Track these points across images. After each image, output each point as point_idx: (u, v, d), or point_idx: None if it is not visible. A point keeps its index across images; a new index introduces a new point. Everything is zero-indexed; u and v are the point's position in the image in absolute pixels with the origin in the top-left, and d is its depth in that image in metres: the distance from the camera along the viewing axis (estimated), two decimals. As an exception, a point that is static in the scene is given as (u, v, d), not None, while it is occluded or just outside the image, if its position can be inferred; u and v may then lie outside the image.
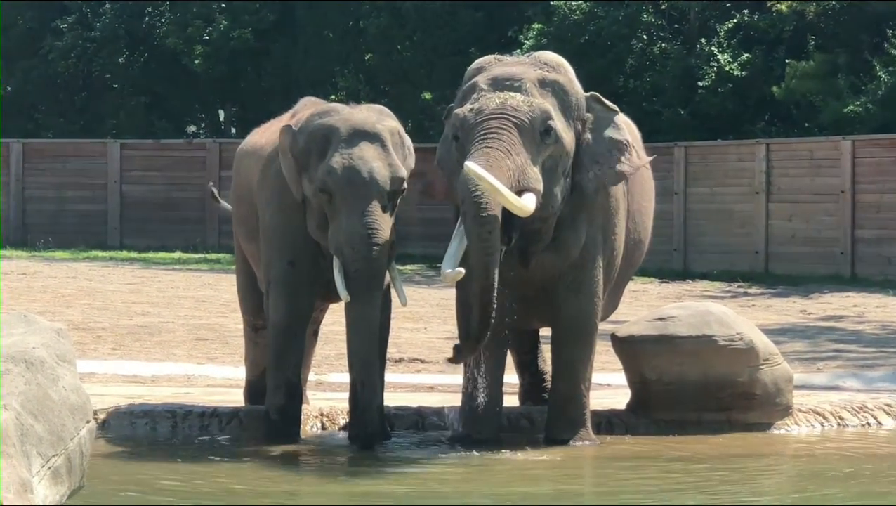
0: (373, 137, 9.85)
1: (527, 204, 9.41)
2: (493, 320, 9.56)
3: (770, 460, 10.19)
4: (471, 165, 9.24)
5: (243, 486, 8.88)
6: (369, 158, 9.74)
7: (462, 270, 9.43)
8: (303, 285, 10.15)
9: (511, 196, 9.31)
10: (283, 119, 10.53)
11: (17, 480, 5.86)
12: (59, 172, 33.67)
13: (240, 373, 12.55)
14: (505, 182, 9.30)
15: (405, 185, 9.93)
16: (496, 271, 9.48)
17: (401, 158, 9.98)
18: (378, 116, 10.09)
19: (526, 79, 9.94)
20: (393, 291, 10.18)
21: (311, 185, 9.89)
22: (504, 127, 9.60)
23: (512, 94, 9.80)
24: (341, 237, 9.71)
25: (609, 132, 10.23)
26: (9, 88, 37.05)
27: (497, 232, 9.41)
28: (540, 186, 9.63)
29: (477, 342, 9.57)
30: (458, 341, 9.87)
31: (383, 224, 9.70)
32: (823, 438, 10.90)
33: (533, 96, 9.83)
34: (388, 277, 10.01)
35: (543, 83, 9.99)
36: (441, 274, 9.68)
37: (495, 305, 9.54)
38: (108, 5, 37.41)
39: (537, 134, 9.72)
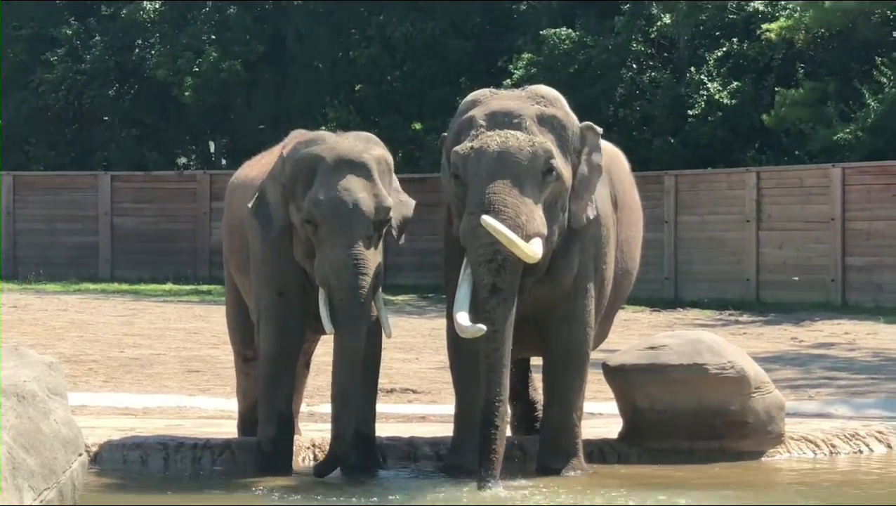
0: (359, 167, 9.85)
1: (536, 251, 9.53)
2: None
3: (766, 487, 10.23)
4: (487, 220, 9.38)
5: (228, 499, 8.92)
6: (354, 189, 9.75)
7: (483, 326, 9.47)
8: (293, 317, 10.16)
9: (523, 245, 9.45)
10: (275, 151, 10.55)
11: (9, 513, 5.86)
12: (49, 204, 33.64)
13: (232, 404, 12.55)
14: (516, 231, 9.45)
15: (391, 214, 9.97)
16: (511, 321, 9.70)
17: (388, 187, 10.00)
18: (365, 145, 10.08)
19: (525, 115, 9.95)
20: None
21: (298, 214, 9.93)
22: (508, 173, 9.67)
23: (512, 132, 9.82)
24: (326, 268, 9.73)
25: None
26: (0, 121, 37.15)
27: (513, 279, 9.62)
28: (545, 230, 9.72)
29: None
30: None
31: (369, 255, 9.73)
32: (817, 465, 10.94)
33: (533, 134, 9.85)
34: (374, 308, 10.05)
35: (542, 119, 10.01)
36: (457, 325, 9.62)
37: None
38: (97, 38, 37.41)
39: (539, 174, 9.77)
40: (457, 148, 9.91)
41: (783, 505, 9.21)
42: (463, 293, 9.69)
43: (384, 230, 9.99)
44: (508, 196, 9.61)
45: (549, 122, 10.04)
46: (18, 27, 37.12)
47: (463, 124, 10.09)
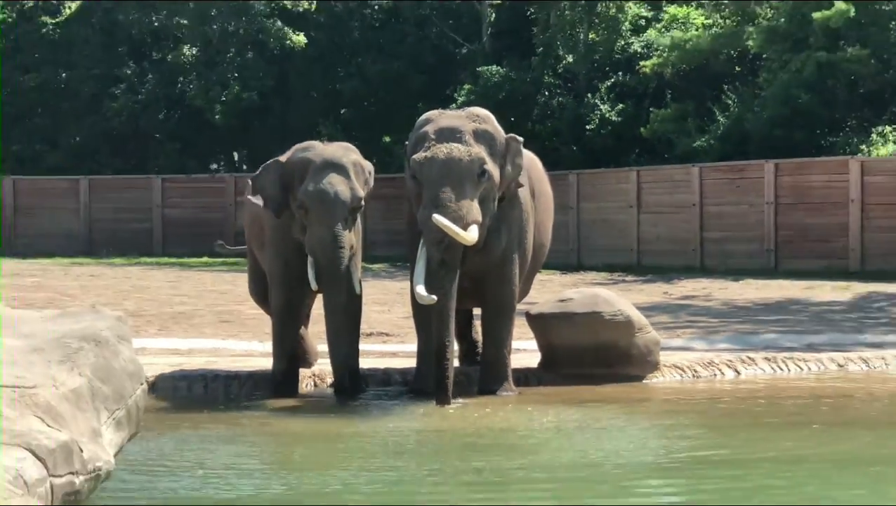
0: (339, 168, 9.89)
1: (472, 236, 9.61)
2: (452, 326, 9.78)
3: (647, 401, 10.29)
4: (438, 218, 9.45)
5: (251, 420, 8.93)
6: (335, 183, 9.80)
7: (434, 296, 9.55)
8: (295, 279, 10.14)
9: (462, 234, 9.53)
10: (283, 158, 10.54)
11: (90, 428, 5.86)
12: (116, 200, 33.59)
13: (253, 346, 12.56)
14: (457, 224, 9.52)
15: (363, 202, 10.00)
16: (454, 285, 9.76)
17: (361, 183, 10.01)
18: (344, 152, 10.13)
19: (464, 131, 9.96)
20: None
21: (294, 201, 9.95)
22: (452, 176, 9.70)
23: (455, 144, 9.84)
24: (313, 242, 9.80)
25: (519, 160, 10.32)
26: (77, 139, 36.90)
27: (456, 256, 9.69)
28: (480, 218, 9.76)
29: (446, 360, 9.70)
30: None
31: (345, 233, 9.78)
32: (683, 385, 11.01)
33: (470, 145, 9.88)
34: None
35: (477, 134, 10.02)
36: (415, 293, 9.74)
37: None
38: (150, 76, 37.25)
39: (475, 176, 9.80)
40: (414, 156, 9.91)
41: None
42: (419, 268, 9.76)
43: (357, 215, 10.03)
44: (452, 195, 9.67)
45: (482, 136, 10.04)
46: (90, 68, 36.88)
47: (419, 137, 10.09)
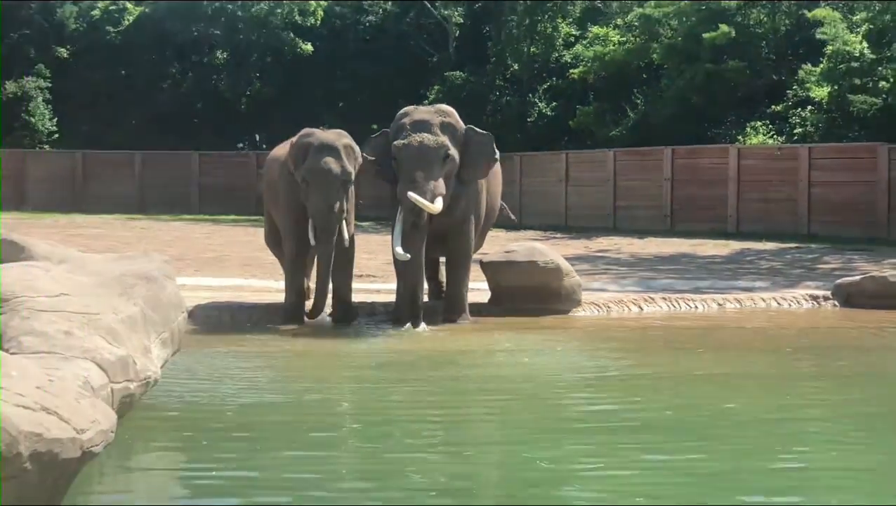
0: (333, 150, 9.87)
1: (438, 206, 9.72)
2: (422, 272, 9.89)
3: (571, 329, 10.34)
4: (411, 195, 9.59)
5: (267, 340, 8.93)
6: (329, 162, 9.77)
7: (408, 255, 9.65)
8: (302, 233, 10.08)
9: (430, 206, 9.63)
10: (290, 141, 10.47)
11: (142, 345, 5.83)
12: (162, 170, 33.42)
13: (270, 284, 12.51)
14: (425, 196, 9.60)
15: (352, 176, 9.96)
16: (423, 242, 9.83)
17: (352, 163, 9.98)
18: (337, 136, 10.09)
19: (433, 123, 10.04)
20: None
21: (298, 175, 9.94)
22: (423, 159, 9.76)
23: (426, 134, 9.90)
24: (311, 208, 9.81)
25: (482, 149, 10.29)
26: (133, 122, 36.57)
27: (424, 220, 9.75)
28: (444, 191, 9.84)
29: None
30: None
31: (336, 201, 9.74)
32: (600, 317, 11.05)
33: (437, 135, 9.94)
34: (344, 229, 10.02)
35: (443, 126, 10.08)
36: (394, 251, 9.81)
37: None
38: (190, 74, 36.99)
39: (441, 159, 9.88)
40: (395, 142, 9.97)
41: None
42: (397, 230, 9.83)
43: (349, 187, 9.98)
44: (423, 174, 9.73)
45: (447, 127, 10.09)
46: (144, 67, 36.57)
47: (398, 128, 10.13)
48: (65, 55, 36.47)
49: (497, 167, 11.27)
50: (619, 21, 30.53)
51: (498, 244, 13.60)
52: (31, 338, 5.06)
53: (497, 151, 10.65)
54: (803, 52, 26.64)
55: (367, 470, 5.28)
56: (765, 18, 27.21)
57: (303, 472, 5.13)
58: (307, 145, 9.93)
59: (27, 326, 5.15)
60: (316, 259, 10.11)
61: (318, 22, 36.44)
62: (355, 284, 10.77)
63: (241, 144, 38.48)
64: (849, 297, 11.85)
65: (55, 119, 35.08)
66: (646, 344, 9.33)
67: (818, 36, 24.61)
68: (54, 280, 5.77)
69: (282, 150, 10.73)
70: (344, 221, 9.94)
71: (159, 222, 26.89)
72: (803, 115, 25.25)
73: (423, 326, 9.81)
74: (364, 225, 24.49)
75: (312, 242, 9.85)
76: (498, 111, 31.59)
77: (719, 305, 11.71)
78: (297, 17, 36.18)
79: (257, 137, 38.98)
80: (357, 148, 10.22)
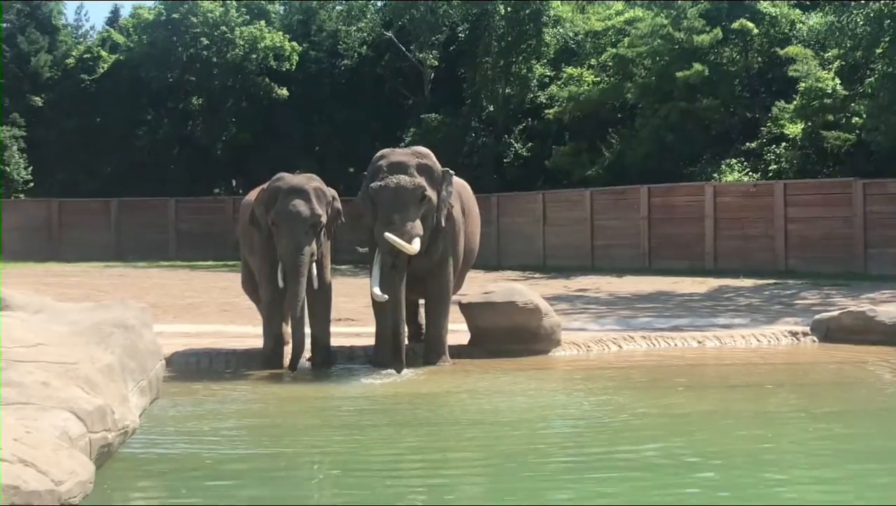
0: (302, 192, 9.94)
1: (415, 247, 9.72)
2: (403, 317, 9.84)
3: (550, 369, 10.33)
4: (388, 236, 9.58)
5: (246, 386, 8.88)
6: (298, 205, 9.83)
7: (386, 296, 9.64)
8: (278, 278, 10.07)
9: (407, 247, 9.63)
10: (263, 186, 10.50)
11: (120, 394, 5.80)
12: (139, 216, 33.34)
13: (248, 329, 12.45)
14: (403, 238, 9.61)
15: (322, 218, 9.97)
16: (402, 283, 9.78)
17: (322, 205, 10.02)
18: (307, 180, 10.16)
19: (410, 165, 10.04)
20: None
21: (269, 219, 9.98)
22: (400, 201, 9.77)
23: (403, 176, 9.91)
24: (281, 250, 9.84)
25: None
26: (109, 169, 36.52)
27: (403, 261, 9.73)
28: (421, 232, 9.85)
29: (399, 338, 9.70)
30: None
31: (305, 244, 9.77)
32: (579, 357, 11.05)
33: (414, 177, 9.95)
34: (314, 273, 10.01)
35: (420, 167, 10.08)
36: (372, 293, 9.79)
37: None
38: (166, 120, 37.08)
39: (418, 201, 9.89)
40: (371, 184, 9.99)
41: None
42: (376, 271, 9.82)
43: (320, 229, 10.00)
44: (400, 216, 9.74)
45: (424, 169, 10.10)
46: (119, 113, 36.58)
47: (375, 170, 10.14)
48: (39, 103, 36.47)
49: (475, 208, 11.31)
50: (592, 61, 30.79)
51: (477, 285, 13.63)
52: (9, 389, 5.04)
53: (466, 188, 10.71)
54: (776, 90, 26.94)
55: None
56: (737, 56, 27.51)
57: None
58: (277, 189, 10.01)
59: (5, 377, 5.12)
60: (285, 302, 10.06)
61: (294, 67, 36.61)
62: (334, 328, 10.75)
63: (217, 190, 38.48)
64: (828, 332, 11.91)
65: (30, 168, 35.01)
66: (625, 383, 9.32)
67: (791, 73, 24.91)
68: (31, 330, 5.74)
69: (255, 194, 10.74)
70: (314, 265, 9.93)
71: (136, 270, 26.78)
72: (778, 151, 25.48)
73: (404, 369, 9.76)
74: (342, 268, 24.50)
75: (281, 284, 9.85)
76: (474, 152, 31.71)
77: (699, 342, 11.73)
78: (272, 62, 36.34)
79: (234, 182, 39.01)
80: (329, 191, 10.24)
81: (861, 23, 22.34)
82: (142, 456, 6.26)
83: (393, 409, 8.17)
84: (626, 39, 28.88)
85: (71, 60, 37.77)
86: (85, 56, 38.01)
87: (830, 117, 23.97)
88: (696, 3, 27.77)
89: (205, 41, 36.16)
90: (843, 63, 24.53)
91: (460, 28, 33.56)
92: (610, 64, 29.44)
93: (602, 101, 29.24)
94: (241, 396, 8.77)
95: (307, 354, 10.35)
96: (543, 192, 28.24)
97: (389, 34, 35.23)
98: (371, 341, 10.56)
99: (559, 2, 32.88)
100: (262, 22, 36.90)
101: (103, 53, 38.23)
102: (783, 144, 25.50)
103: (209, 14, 36.20)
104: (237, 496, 5.51)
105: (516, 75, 31.91)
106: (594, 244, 26.19)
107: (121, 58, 37.69)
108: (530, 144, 31.24)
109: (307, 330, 10.12)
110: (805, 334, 12.02)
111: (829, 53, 25.24)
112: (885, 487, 5.70)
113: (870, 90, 23.36)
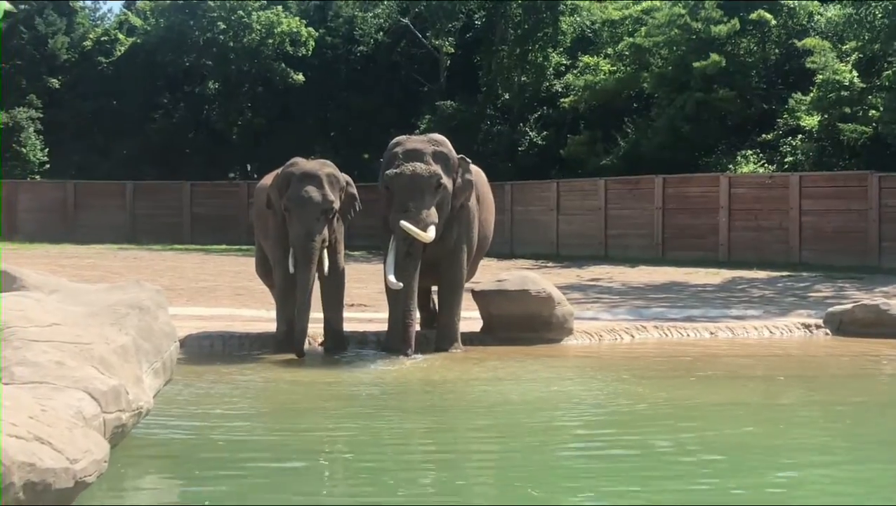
0: (314, 178, 9.93)
1: (430, 235, 9.77)
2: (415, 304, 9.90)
3: (562, 357, 10.33)
4: (404, 223, 9.63)
5: (258, 370, 8.90)
6: (310, 190, 9.82)
7: (401, 283, 9.68)
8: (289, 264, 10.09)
9: (422, 235, 9.66)
10: (278, 170, 10.52)
11: (134, 375, 5.83)
12: (154, 200, 33.32)
13: (261, 313, 12.50)
14: (418, 225, 9.65)
15: (335, 204, 9.97)
16: (417, 271, 9.83)
17: (335, 191, 10.02)
18: (320, 165, 10.15)
19: (426, 152, 10.05)
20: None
21: (282, 204, 10.01)
22: (415, 188, 9.78)
23: (419, 163, 9.92)
24: (293, 235, 9.84)
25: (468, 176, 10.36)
26: (125, 152, 36.61)
27: (417, 248, 9.79)
28: (437, 220, 9.86)
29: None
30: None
31: (317, 231, 9.77)
32: (591, 346, 11.05)
33: (430, 164, 9.96)
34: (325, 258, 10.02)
35: (435, 155, 10.09)
36: (387, 280, 9.84)
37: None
38: (182, 104, 37.13)
39: (433, 188, 9.90)
40: (387, 171, 10.01)
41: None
42: (390, 258, 9.84)
43: (333, 215, 9.99)
44: (415, 203, 9.75)
45: (439, 156, 10.10)
46: (136, 97, 36.70)
47: (390, 157, 10.15)
48: (56, 85, 36.60)
49: (489, 196, 11.31)
50: (609, 50, 30.72)
51: (490, 273, 13.64)
52: (24, 368, 5.07)
53: (481, 176, 10.74)
54: (793, 81, 26.82)
55: (360, 492, 5.28)
56: (755, 48, 27.40)
57: (294, 502, 5.13)
58: (290, 175, 10.01)
59: (20, 357, 5.16)
60: (296, 288, 10.08)
61: (310, 52, 36.62)
62: (347, 314, 10.77)
63: (232, 174, 38.57)
64: (840, 325, 11.89)
65: (46, 149, 35.15)
66: (638, 373, 9.32)
67: (808, 65, 24.80)
68: (46, 310, 5.78)
69: (269, 179, 10.76)
70: (325, 251, 9.94)
71: (151, 252, 26.87)
72: (794, 143, 25.39)
73: (414, 354, 9.78)
74: (355, 254, 24.54)
75: (291, 269, 9.86)
76: (489, 140, 31.68)
77: (711, 333, 11.73)
78: (288, 48, 36.35)
79: (248, 167, 39.08)
80: (342, 177, 10.24)
81: (879, 15, 22.21)
82: (155, 437, 6.30)
83: (404, 393, 8.19)
84: (644, 29, 28.77)
85: (88, 43, 37.86)
86: (102, 39, 38.11)
87: (847, 110, 23.86)
88: (713, -7, 27.65)
89: (221, 25, 36.18)
90: (860, 55, 24.39)
91: (477, 15, 33.52)
92: (626, 53, 29.34)
93: (618, 90, 29.17)
94: (253, 379, 8.80)
95: (320, 338, 10.38)
96: (557, 180, 28.19)
97: (406, 21, 35.20)
98: (384, 327, 10.58)
99: (576, -10, 32.82)
100: (279, 7, 36.91)
101: (120, 36, 38.32)
102: (799, 136, 25.41)
103: (226, -2, 36.29)
104: (249, 478, 5.54)
105: (532, 63, 31.85)
106: (608, 234, 26.14)
107: (138, 41, 37.77)
108: (545, 132, 31.21)
109: (320, 315, 10.14)
110: (818, 327, 12.01)
111: (847, 46, 25.10)
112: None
113: (887, 83, 23.24)
